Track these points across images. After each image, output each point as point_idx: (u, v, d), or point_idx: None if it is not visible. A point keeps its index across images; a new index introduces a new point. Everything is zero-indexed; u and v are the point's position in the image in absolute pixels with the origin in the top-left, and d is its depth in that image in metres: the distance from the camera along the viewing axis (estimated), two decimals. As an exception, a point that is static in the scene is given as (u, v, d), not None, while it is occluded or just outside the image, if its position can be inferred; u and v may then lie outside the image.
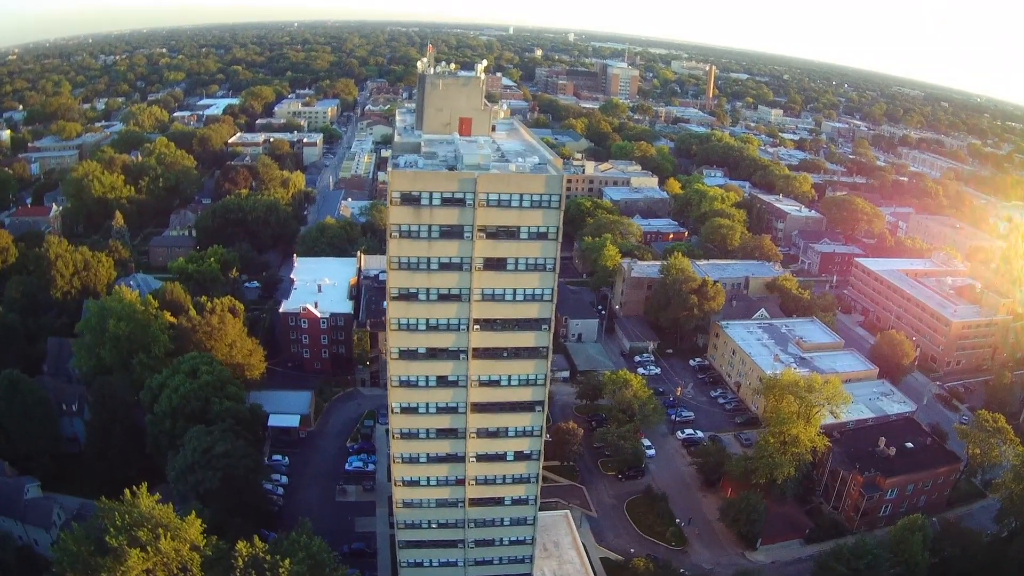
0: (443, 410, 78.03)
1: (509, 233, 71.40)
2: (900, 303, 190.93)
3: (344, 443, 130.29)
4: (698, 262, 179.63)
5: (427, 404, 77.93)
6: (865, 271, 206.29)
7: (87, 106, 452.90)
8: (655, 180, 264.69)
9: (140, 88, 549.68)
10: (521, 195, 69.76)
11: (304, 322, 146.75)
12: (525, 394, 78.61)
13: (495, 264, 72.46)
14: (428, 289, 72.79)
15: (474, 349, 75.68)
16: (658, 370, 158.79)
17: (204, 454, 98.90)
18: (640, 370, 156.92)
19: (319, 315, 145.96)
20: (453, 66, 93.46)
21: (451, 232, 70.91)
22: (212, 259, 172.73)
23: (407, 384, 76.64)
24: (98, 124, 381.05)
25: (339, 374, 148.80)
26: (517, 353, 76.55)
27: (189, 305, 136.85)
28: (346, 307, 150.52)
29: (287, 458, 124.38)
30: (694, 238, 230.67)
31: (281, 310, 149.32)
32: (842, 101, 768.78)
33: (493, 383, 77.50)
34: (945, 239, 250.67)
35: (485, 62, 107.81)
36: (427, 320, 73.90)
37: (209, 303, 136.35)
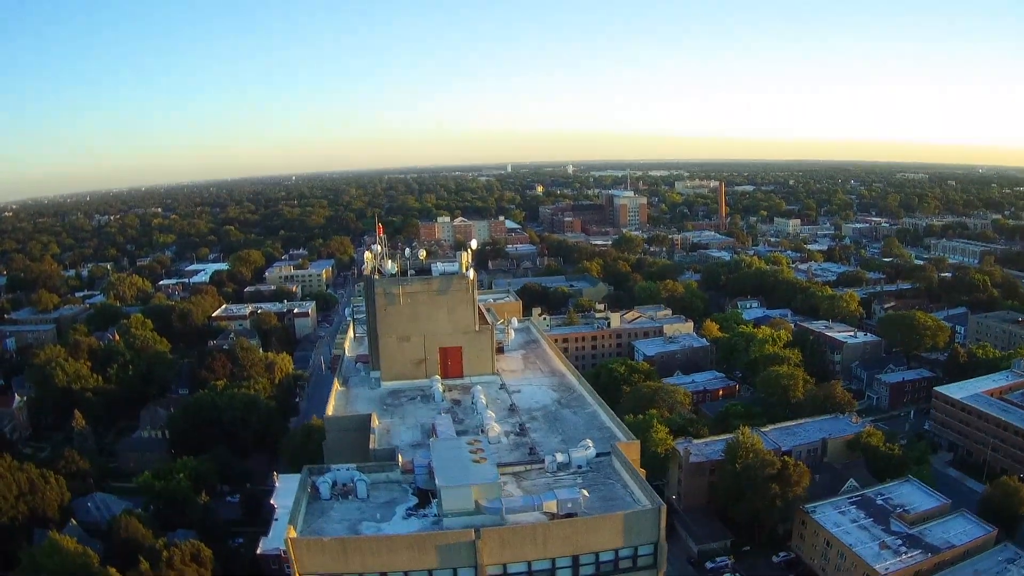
0: None
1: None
2: (994, 432, 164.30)
3: None
4: (763, 429, 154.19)
5: None
6: (949, 401, 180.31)
7: (71, 273, 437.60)
8: (690, 325, 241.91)
9: (129, 251, 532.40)
10: (575, 558, 36.23)
11: (288, 567, 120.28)
12: None
13: None
14: None
15: None
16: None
17: None
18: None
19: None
20: (423, 253, 62.59)
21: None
22: (182, 474, 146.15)
23: None
24: (79, 295, 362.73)
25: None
26: None
27: (143, 555, 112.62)
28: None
29: None
30: (745, 388, 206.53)
31: (259, 551, 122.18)
32: (854, 199, 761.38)
33: None
34: (1011, 339, 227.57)
35: (474, 243, 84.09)
36: None
37: (166, 551, 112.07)
